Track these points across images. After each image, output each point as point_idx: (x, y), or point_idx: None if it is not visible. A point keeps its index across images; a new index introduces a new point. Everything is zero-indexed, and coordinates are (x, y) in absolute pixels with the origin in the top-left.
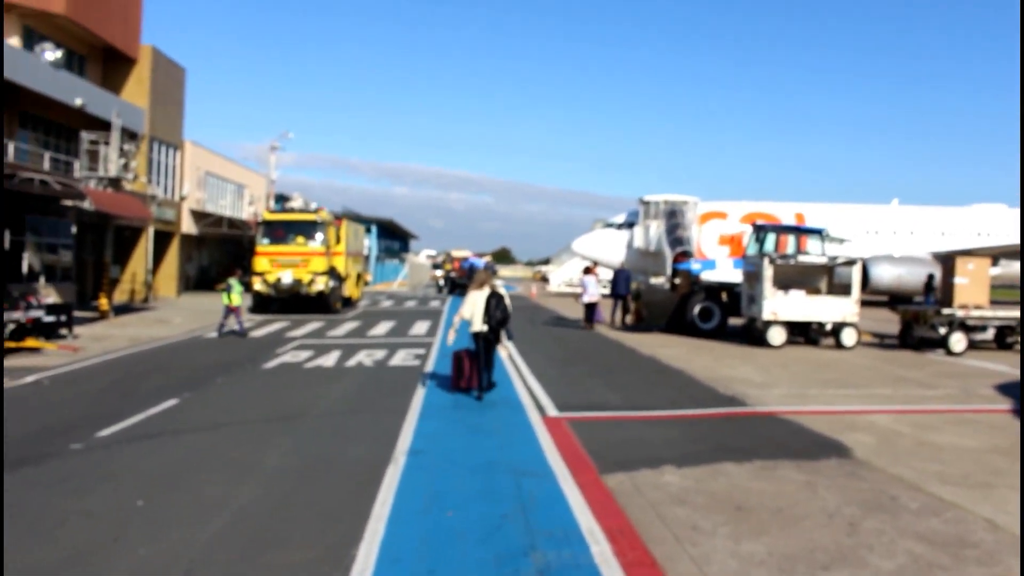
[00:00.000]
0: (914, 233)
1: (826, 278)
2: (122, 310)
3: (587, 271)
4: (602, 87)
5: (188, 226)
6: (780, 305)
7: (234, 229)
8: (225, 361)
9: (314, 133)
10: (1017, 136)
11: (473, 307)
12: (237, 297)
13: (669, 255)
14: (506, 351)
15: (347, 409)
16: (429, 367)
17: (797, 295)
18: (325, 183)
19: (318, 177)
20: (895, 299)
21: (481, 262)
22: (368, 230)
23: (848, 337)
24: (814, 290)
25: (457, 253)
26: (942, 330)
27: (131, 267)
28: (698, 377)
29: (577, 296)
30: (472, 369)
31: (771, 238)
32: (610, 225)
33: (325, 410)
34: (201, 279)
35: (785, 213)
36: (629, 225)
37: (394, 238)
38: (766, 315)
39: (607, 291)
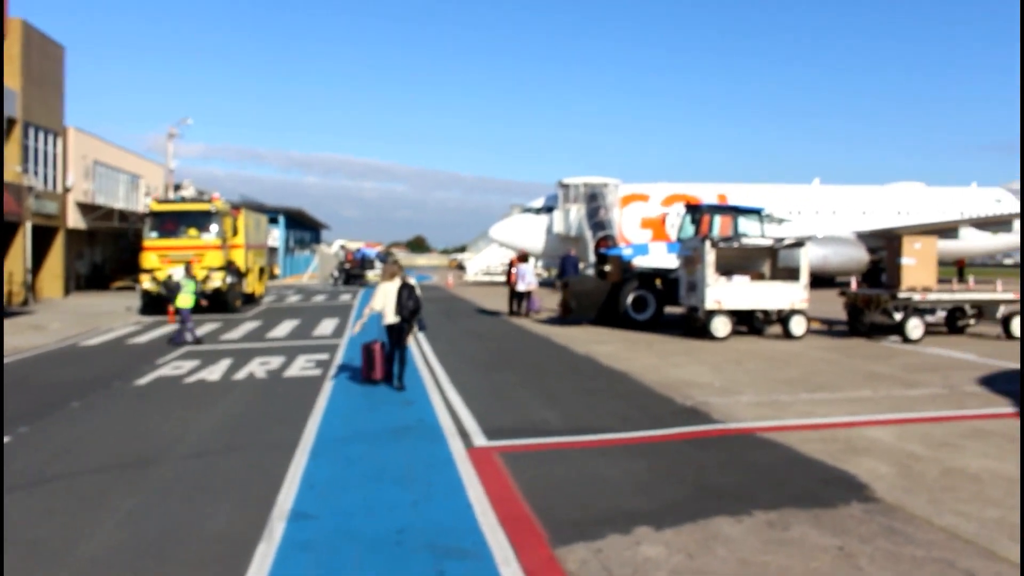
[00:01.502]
0: (836, 213)
1: (769, 261)
2: None
3: (523, 258)
4: (512, 72)
5: (75, 220)
6: (724, 293)
7: (127, 223)
8: (91, 377)
9: (221, 124)
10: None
11: (384, 298)
12: (188, 297)
13: (591, 240)
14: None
15: (220, 446)
16: (330, 378)
17: (741, 281)
18: (233, 174)
19: (226, 168)
20: (818, 281)
21: (373, 252)
22: (275, 220)
23: (797, 326)
24: (757, 275)
25: (350, 245)
26: (897, 315)
27: (7, 266)
28: (646, 381)
29: (511, 284)
30: (383, 360)
31: (707, 219)
32: (528, 210)
33: (192, 448)
34: (94, 277)
35: (707, 194)
36: (548, 210)
37: (304, 228)
38: (709, 304)
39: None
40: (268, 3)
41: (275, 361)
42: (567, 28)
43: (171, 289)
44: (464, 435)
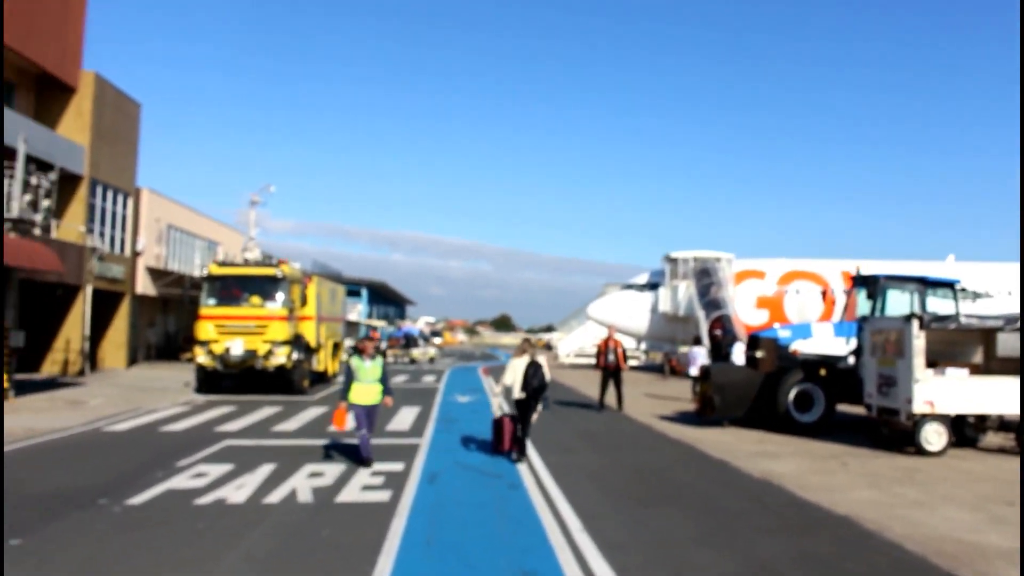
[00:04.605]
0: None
1: (981, 349)
2: (41, 386)
3: (696, 341)
4: (600, 153)
5: (144, 286)
6: (938, 391)
7: (197, 290)
8: (81, 487)
9: (312, 200)
10: None
11: (514, 375)
12: (372, 389)
13: (704, 320)
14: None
15: None
16: (402, 511)
17: (959, 375)
18: (322, 250)
19: (316, 244)
20: None
21: (416, 330)
22: (357, 293)
23: None
24: (973, 367)
25: (375, 323)
26: None
27: (65, 332)
28: (898, 540)
29: (603, 368)
30: (512, 433)
31: (892, 295)
32: (630, 287)
33: None
34: (167, 347)
35: (830, 272)
36: (652, 287)
37: (389, 303)
38: (918, 406)
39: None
40: (359, 85)
41: (330, 471)
42: (655, 113)
43: (348, 375)
44: None
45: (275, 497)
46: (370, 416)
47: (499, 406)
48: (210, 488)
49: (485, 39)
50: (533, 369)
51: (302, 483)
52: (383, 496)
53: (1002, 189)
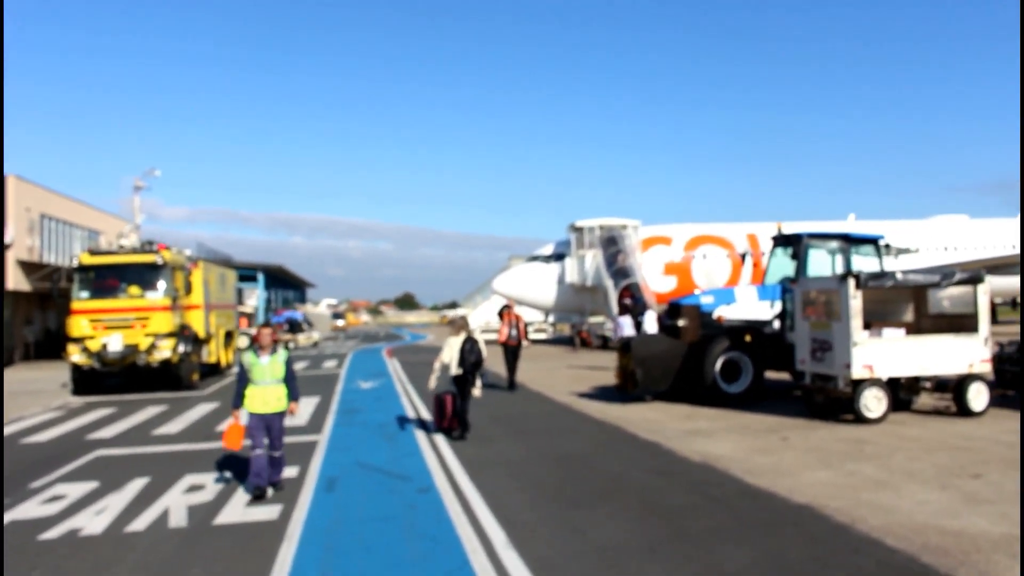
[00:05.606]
0: None
1: (912, 306)
2: None
3: (623, 309)
4: (496, 126)
5: (16, 280)
6: (876, 354)
7: (70, 283)
8: None
9: (204, 186)
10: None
11: (451, 352)
12: (274, 393)
13: (613, 289)
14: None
15: None
16: (292, 533)
17: (895, 336)
18: (219, 236)
19: (212, 231)
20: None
21: (300, 314)
22: (252, 279)
23: (978, 397)
24: (908, 327)
25: (243, 308)
26: None
27: None
28: (876, 534)
29: (506, 344)
30: (454, 410)
31: (814, 254)
32: (536, 258)
33: None
34: (49, 346)
35: (737, 235)
36: (559, 257)
37: (288, 287)
38: (857, 370)
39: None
40: (246, 65)
41: (211, 485)
42: (549, 84)
43: (240, 375)
44: None
45: (141, 523)
46: (271, 428)
47: (434, 380)
48: (63, 516)
49: (372, 11)
50: (470, 345)
51: (177, 500)
52: (271, 512)
53: (899, 150)
